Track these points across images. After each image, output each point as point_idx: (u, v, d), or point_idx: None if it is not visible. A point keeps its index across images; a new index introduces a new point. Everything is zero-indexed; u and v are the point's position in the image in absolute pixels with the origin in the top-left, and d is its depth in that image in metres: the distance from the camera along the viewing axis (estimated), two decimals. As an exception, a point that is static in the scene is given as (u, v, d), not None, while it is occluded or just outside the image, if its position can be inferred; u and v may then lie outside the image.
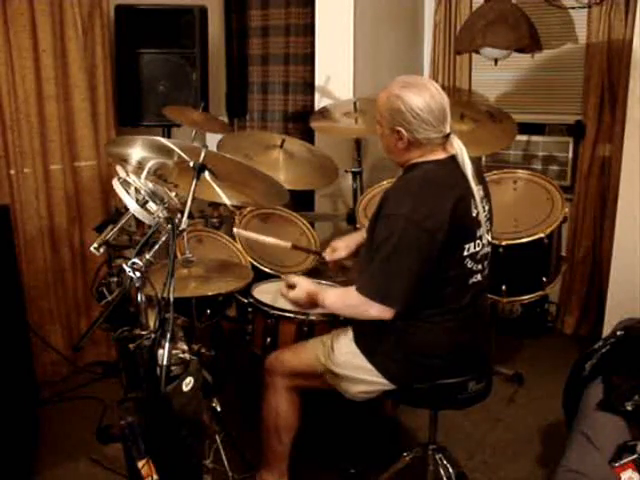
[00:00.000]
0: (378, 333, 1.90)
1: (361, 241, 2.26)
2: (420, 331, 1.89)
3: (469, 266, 1.88)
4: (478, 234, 1.89)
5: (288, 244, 2.45)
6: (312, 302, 2.02)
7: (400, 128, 1.82)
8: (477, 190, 1.87)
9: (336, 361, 1.99)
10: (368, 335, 1.95)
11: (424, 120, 1.80)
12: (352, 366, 1.97)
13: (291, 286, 2.07)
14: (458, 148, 1.86)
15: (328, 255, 2.36)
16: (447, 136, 1.86)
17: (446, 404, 2.04)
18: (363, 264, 1.99)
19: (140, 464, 1.53)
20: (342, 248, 2.34)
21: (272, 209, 3.03)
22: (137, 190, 1.80)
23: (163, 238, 1.70)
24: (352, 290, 1.87)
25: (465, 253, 1.86)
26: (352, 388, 1.99)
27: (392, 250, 1.77)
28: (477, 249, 1.89)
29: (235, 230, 2.65)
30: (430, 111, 1.80)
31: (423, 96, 1.80)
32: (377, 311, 1.81)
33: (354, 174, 3.39)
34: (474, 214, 1.87)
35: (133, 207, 1.78)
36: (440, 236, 1.77)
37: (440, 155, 1.88)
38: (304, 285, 2.05)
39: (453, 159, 1.88)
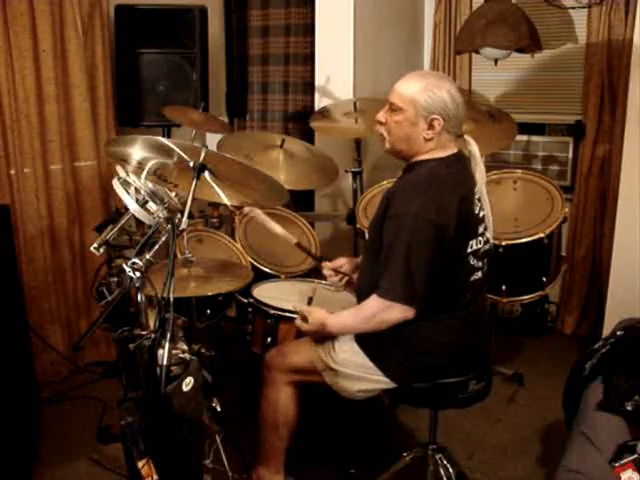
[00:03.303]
0: (379, 332, 1.89)
1: None
2: (422, 329, 1.89)
3: (471, 263, 1.89)
4: (480, 231, 1.91)
5: (294, 240, 2.44)
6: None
7: (437, 117, 1.83)
8: (479, 188, 1.90)
9: (337, 359, 1.99)
10: (369, 333, 1.94)
11: (459, 114, 1.86)
12: (353, 364, 1.97)
13: (305, 317, 2.04)
14: (473, 149, 1.91)
15: (329, 263, 2.33)
16: (461, 136, 1.91)
17: (446, 403, 2.04)
18: (368, 266, 1.98)
19: (140, 464, 1.53)
20: (344, 260, 2.31)
21: (272, 209, 3.03)
22: (137, 190, 1.80)
23: (163, 238, 1.71)
24: (369, 300, 1.86)
25: (468, 250, 1.87)
26: (351, 386, 1.99)
27: (407, 249, 1.77)
28: (479, 246, 1.91)
29: (248, 209, 2.63)
30: (463, 107, 1.86)
31: (459, 92, 1.86)
32: (400, 312, 1.81)
33: (354, 174, 3.39)
34: (476, 211, 1.90)
35: (133, 207, 1.79)
36: (449, 232, 1.79)
37: (448, 151, 1.90)
38: (317, 316, 2.01)
39: (457, 156, 1.90)
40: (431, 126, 1.84)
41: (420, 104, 1.82)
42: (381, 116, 1.93)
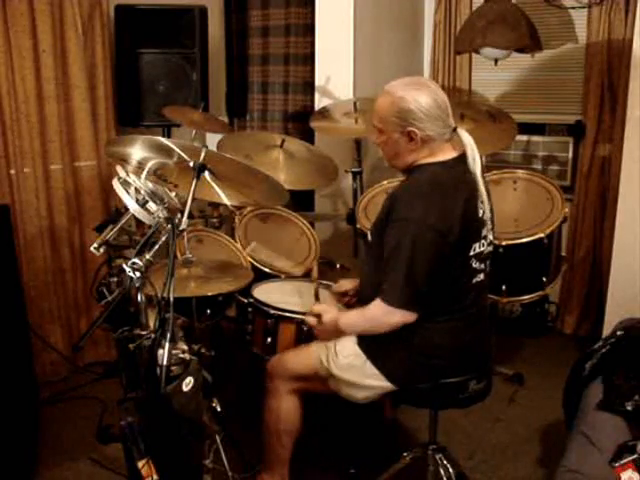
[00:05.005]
0: (382, 335, 1.89)
1: None
2: (424, 332, 1.88)
3: (474, 265, 1.89)
4: (483, 234, 1.90)
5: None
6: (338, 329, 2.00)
7: (412, 128, 1.83)
8: (481, 189, 1.88)
9: (339, 364, 1.98)
10: (372, 337, 1.93)
11: (434, 116, 1.83)
12: (355, 370, 1.96)
13: (317, 315, 2.03)
14: (467, 140, 1.87)
15: (334, 287, 2.31)
16: (454, 130, 1.88)
17: (447, 404, 2.04)
18: (370, 268, 1.98)
19: (140, 464, 1.53)
20: (348, 283, 2.27)
21: (272, 209, 3.03)
22: (137, 190, 1.80)
23: (163, 238, 1.70)
24: (372, 304, 1.86)
25: (471, 253, 1.87)
26: (355, 394, 1.99)
27: (409, 255, 1.77)
28: (482, 249, 1.90)
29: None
30: (437, 106, 1.83)
31: (427, 93, 1.83)
32: (400, 317, 1.81)
33: (354, 174, 3.39)
34: (480, 214, 1.88)
35: (133, 207, 1.79)
36: (452, 237, 1.78)
37: (447, 154, 1.89)
38: (331, 315, 2.00)
39: (459, 159, 1.88)
40: (411, 138, 1.84)
41: (392, 121, 1.85)
42: (373, 138, 1.95)
